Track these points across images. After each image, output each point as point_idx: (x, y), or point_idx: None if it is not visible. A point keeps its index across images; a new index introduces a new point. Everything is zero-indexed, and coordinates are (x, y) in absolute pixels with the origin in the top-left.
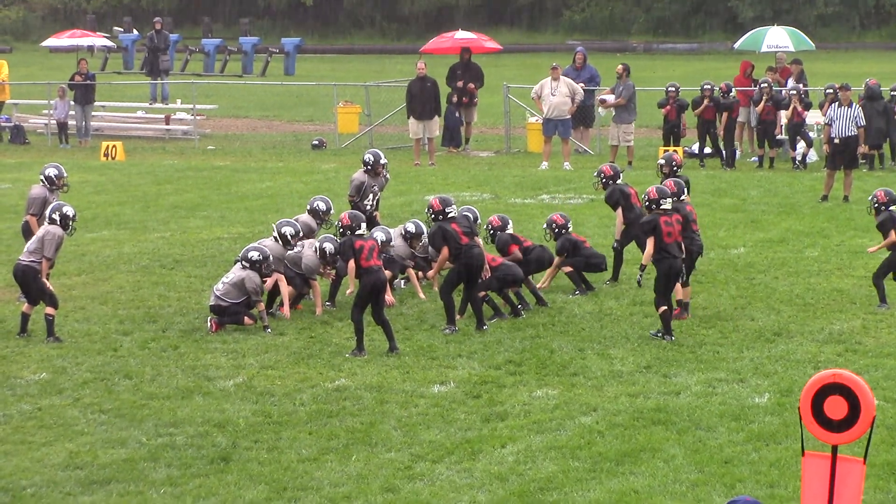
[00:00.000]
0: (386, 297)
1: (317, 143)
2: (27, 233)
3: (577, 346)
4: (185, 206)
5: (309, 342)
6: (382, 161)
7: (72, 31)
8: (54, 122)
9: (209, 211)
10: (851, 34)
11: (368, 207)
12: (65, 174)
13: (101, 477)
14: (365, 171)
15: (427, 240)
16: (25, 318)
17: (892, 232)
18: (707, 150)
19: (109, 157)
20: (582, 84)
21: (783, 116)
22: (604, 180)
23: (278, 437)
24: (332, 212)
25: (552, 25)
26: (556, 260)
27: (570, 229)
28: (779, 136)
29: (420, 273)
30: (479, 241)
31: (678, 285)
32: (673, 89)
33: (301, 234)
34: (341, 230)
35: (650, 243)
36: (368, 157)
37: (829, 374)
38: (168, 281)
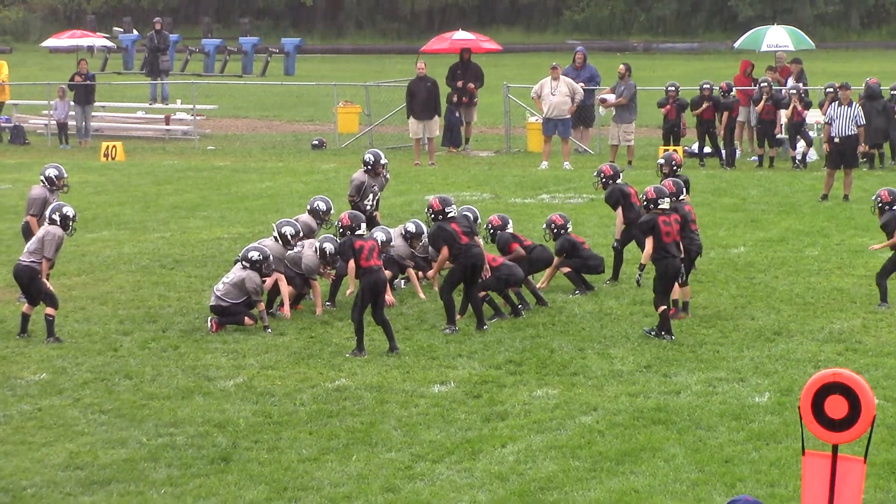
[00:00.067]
0: (386, 297)
1: (317, 143)
2: (27, 233)
3: (578, 345)
4: (185, 207)
5: (309, 342)
6: (383, 161)
7: (72, 32)
8: (54, 122)
9: (209, 211)
10: (851, 33)
11: (368, 207)
12: (65, 175)
13: (101, 477)
14: (365, 171)
15: (427, 240)
16: (25, 318)
17: None
18: (707, 149)
19: (109, 158)
20: (582, 84)
21: (783, 116)
22: (604, 180)
23: (278, 437)
24: (332, 212)
25: (552, 25)
26: (555, 260)
27: (570, 230)
28: (779, 136)
29: (420, 273)
30: (479, 240)
31: (676, 285)
32: (673, 89)
33: (301, 234)
34: (341, 230)
35: (649, 243)
36: (369, 157)
37: (829, 373)
38: (168, 281)
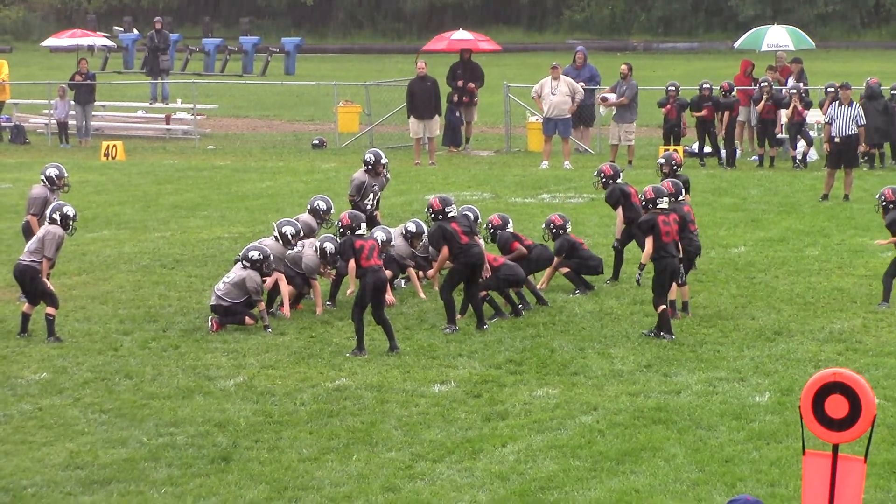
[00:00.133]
0: (386, 296)
1: (317, 142)
2: (28, 233)
3: (578, 345)
4: (185, 206)
5: (309, 342)
6: (383, 161)
7: (72, 31)
8: (55, 121)
9: (209, 210)
10: (852, 33)
11: (369, 207)
12: (65, 174)
13: (101, 477)
14: (365, 171)
15: (427, 239)
16: (26, 318)
17: None
18: (707, 149)
19: (110, 157)
20: (582, 83)
21: (783, 115)
22: (604, 180)
23: (279, 437)
24: (332, 211)
25: (552, 25)
26: (555, 261)
27: (569, 230)
28: (779, 135)
29: (420, 272)
30: (480, 240)
31: (674, 285)
32: (673, 88)
33: (301, 233)
34: (341, 230)
35: (649, 242)
36: (369, 156)
37: (829, 372)
38: (168, 280)
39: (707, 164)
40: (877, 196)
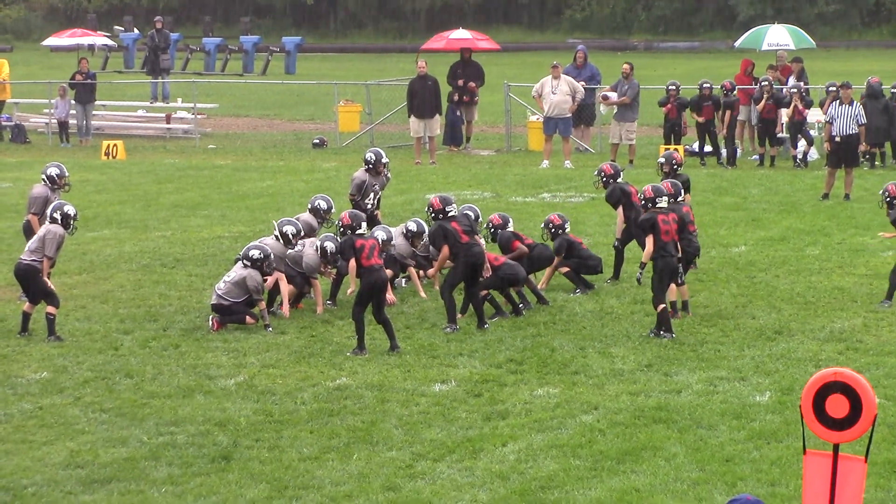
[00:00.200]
0: (387, 295)
1: (318, 141)
2: (28, 232)
3: (579, 344)
4: (185, 205)
5: (310, 341)
6: (384, 160)
7: (72, 31)
8: (55, 121)
9: (210, 210)
10: (852, 32)
11: (369, 206)
12: (66, 173)
13: (102, 476)
14: (366, 170)
15: (428, 238)
16: (26, 317)
17: None
18: (707, 148)
19: (110, 156)
20: (583, 82)
21: (784, 115)
22: (604, 179)
23: (279, 436)
24: (333, 210)
25: (553, 24)
26: (555, 260)
27: (568, 229)
28: (780, 135)
29: (421, 272)
30: (480, 239)
31: (673, 286)
32: (673, 88)
33: (302, 232)
34: (342, 229)
35: (650, 241)
36: (370, 155)
37: (830, 372)
38: (169, 280)
39: (707, 164)
40: (881, 192)
